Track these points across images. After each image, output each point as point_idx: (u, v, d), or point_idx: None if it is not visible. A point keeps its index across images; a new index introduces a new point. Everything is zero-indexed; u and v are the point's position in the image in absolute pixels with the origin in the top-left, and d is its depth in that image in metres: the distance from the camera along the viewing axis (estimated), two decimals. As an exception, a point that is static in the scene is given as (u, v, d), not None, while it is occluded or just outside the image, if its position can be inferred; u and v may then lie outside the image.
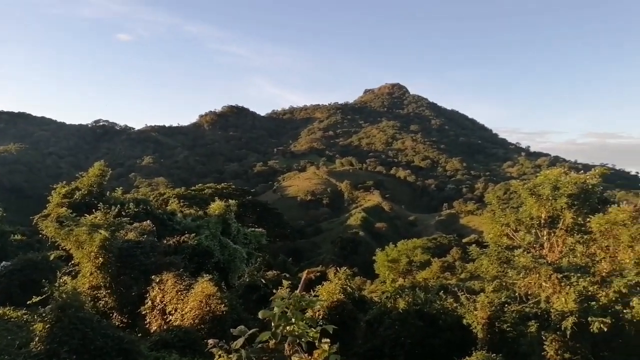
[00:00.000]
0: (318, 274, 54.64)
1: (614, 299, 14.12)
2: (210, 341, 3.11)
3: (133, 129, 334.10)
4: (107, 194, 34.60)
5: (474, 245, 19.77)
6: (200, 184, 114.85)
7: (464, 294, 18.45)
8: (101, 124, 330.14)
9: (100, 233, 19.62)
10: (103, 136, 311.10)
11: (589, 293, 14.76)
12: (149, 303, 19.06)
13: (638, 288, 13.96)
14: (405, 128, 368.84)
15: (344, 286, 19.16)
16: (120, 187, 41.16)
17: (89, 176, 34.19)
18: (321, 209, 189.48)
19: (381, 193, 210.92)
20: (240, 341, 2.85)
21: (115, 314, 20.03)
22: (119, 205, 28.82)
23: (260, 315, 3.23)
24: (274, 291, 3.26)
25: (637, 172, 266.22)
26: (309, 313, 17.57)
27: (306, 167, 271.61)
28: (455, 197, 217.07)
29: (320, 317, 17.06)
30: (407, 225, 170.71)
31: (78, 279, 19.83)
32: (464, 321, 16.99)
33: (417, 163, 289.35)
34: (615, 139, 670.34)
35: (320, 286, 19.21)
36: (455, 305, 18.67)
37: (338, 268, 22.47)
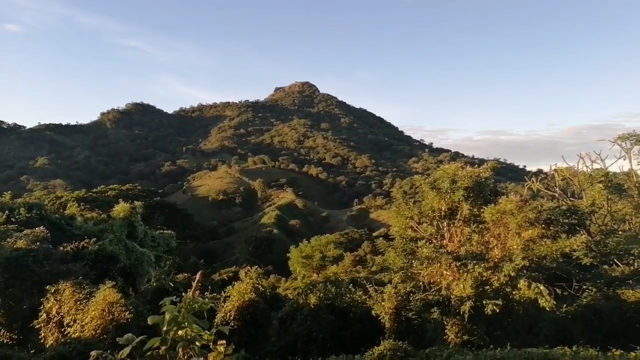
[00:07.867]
0: (231, 274, 53.83)
1: (504, 282, 15.37)
2: (93, 353, 2.90)
3: (24, 127, 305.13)
4: (-7, 199, 31.76)
5: (381, 238, 20.48)
6: (103, 186, 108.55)
7: (372, 286, 19.11)
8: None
9: (-17, 243, 17.81)
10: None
11: (484, 278, 15.91)
12: (44, 316, 17.59)
13: (524, 271, 15.29)
14: (316, 126, 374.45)
15: (256, 285, 19.01)
16: (9, 192, 37.95)
17: (-30, 180, 31.01)
18: (234, 209, 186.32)
19: (294, 190, 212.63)
20: (126, 350, 2.69)
21: (2, 331, 18.28)
22: (7, 211, 26.63)
23: (149, 321, 3.09)
24: (183, 294, 3.15)
25: (525, 166, 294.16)
26: (219, 314, 17.31)
27: (217, 166, 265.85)
28: (365, 193, 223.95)
29: (232, 317, 16.81)
30: (320, 221, 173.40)
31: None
32: (373, 312, 17.56)
33: (328, 160, 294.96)
34: (505, 135, 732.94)
35: (231, 286, 18.90)
36: (364, 297, 19.25)
37: (251, 267, 22.27)
